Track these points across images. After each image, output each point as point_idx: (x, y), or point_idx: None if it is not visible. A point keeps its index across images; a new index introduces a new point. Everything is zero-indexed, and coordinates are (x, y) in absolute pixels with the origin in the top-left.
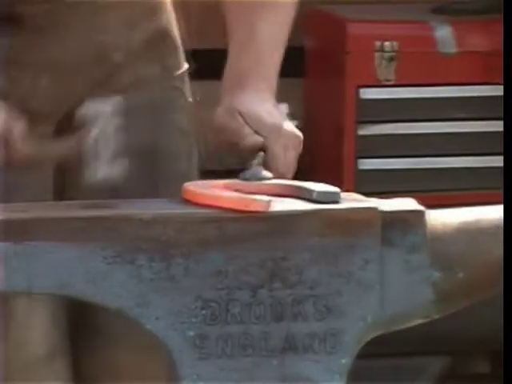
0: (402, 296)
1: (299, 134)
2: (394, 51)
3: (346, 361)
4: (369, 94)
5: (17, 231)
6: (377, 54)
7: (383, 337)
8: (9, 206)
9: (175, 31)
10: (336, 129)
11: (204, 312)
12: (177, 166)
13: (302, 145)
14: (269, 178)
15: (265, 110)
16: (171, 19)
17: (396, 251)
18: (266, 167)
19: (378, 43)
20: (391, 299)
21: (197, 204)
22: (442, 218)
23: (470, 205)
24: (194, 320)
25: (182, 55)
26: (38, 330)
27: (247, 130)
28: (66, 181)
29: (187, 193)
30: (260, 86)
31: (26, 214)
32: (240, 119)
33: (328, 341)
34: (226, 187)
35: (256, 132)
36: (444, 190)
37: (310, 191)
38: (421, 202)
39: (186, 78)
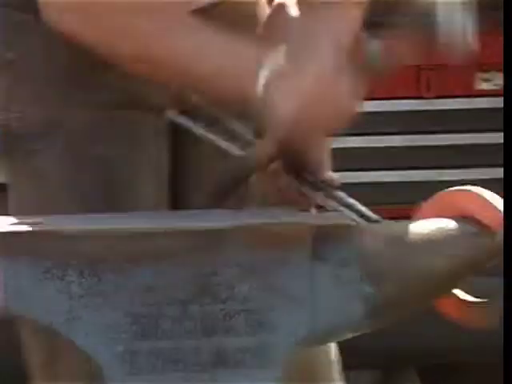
0: (333, 310)
1: None
2: None
3: (277, 375)
4: None
5: None
6: None
7: None
8: None
9: None
10: None
11: (134, 327)
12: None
13: None
14: None
15: None
16: None
17: (326, 266)
18: None
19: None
20: (322, 314)
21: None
22: (374, 232)
23: (401, 219)
24: (124, 336)
25: None
26: None
27: None
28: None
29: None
30: None
31: None
32: None
33: (259, 355)
34: None
35: None
36: (376, 204)
37: None
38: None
39: None
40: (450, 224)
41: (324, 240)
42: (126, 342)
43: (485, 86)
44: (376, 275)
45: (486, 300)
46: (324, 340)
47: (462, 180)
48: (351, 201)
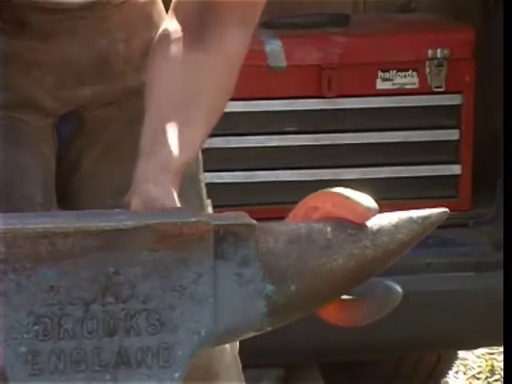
0: (236, 309)
1: None
2: None
3: (179, 375)
4: None
5: None
6: None
7: None
8: None
9: None
10: None
11: (36, 328)
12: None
13: None
14: None
15: None
16: None
17: (228, 265)
18: None
19: None
20: (224, 313)
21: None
22: (274, 231)
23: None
24: (26, 336)
25: None
26: None
27: None
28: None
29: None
30: None
31: None
32: None
33: (161, 355)
34: None
35: None
36: (277, 203)
37: None
38: (253, 215)
39: None
40: (347, 223)
41: (225, 239)
42: (28, 343)
43: (385, 86)
44: (277, 274)
45: (358, 298)
46: (227, 339)
47: (361, 179)
48: None
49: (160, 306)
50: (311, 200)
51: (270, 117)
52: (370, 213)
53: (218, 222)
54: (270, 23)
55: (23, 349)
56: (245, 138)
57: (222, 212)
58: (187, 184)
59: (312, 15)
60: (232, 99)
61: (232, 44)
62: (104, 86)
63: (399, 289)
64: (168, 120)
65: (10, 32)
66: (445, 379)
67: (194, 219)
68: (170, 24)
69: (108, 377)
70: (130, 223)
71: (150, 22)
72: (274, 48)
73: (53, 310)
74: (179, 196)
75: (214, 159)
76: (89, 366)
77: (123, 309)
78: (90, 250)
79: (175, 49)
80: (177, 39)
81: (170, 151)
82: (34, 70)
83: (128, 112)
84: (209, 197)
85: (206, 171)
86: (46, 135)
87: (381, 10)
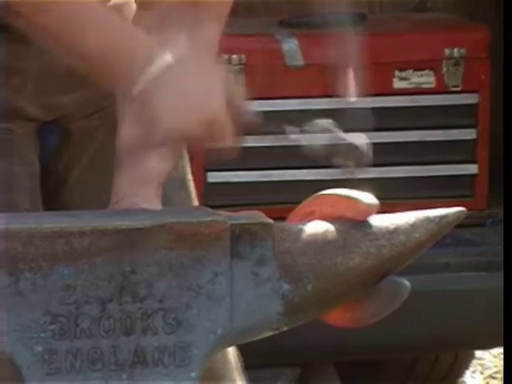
0: (252, 309)
1: None
2: (241, 64)
3: (195, 374)
4: None
5: None
6: None
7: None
8: None
9: None
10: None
11: (53, 327)
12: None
13: None
14: None
15: None
16: None
17: (245, 264)
18: None
19: (225, 56)
20: (241, 312)
21: None
22: (291, 231)
23: None
24: (42, 335)
25: None
26: None
27: None
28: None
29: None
30: None
31: None
32: None
33: (178, 354)
34: None
35: None
36: (293, 203)
37: None
38: (269, 214)
39: None
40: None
41: (242, 238)
42: (45, 342)
43: (401, 85)
44: (294, 273)
45: (365, 296)
46: (243, 338)
47: (377, 178)
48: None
49: (176, 305)
50: (306, 205)
51: (287, 116)
52: (372, 209)
53: (235, 222)
54: (286, 22)
55: (40, 348)
56: (261, 137)
57: (237, 211)
58: (177, 186)
59: (328, 14)
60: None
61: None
62: (85, 93)
63: (407, 283)
64: None
65: None
66: (462, 379)
67: (210, 218)
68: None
69: (124, 376)
70: (146, 222)
71: None
72: (291, 47)
73: (69, 309)
74: (171, 199)
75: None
76: (105, 365)
77: (140, 308)
78: (106, 249)
79: None
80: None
81: (152, 162)
82: (14, 78)
83: (111, 120)
84: (225, 196)
85: (222, 170)
86: (29, 140)
87: (397, 10)
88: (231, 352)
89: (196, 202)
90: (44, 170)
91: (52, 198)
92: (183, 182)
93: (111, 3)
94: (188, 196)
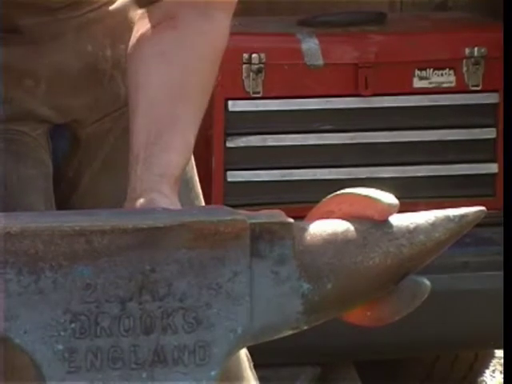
0: (272, 307)
1: None
2: (261, 63)
3: (215, 373)
4: (237, 106)
5: None
6: (244, 67)
7: (252, 348)
8: None
9: None
10: (205, 141)
11: (73, 325)
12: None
13: None
14: None
15: None
16: None
17: (265, 263)
18: None
19: (245, 55)
20: (260, 311)
21: None
22: (310, 230)
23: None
24: (62, 333)
25: None
26: None
27: None
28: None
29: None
30: None
31: None
32: None
33: (197, 353)
34: None
35: None
36: (313, 202)
37: None
38: (289, 213)
39: None
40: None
41: (262, 237)
42: (65, 340)
43: (422, 84)
44: (313, 272)
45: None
46: (263, 337)
47: (397, 177)
48: None
49: (196, 304)
50: (325, 204)
51: (307, 115)
52: (392, 209)
53: (254, 221)
54: (306, 21)
55: (60, 346)
56: (282, 136)
57: (257, 210)
58: (185, 187)
59: (349, 13)
60: (269, 97)
61: (211, 31)
62: (97, 94)
63: (427, 282)
64: (159, 122)
65: (4, 39)
66: (481, 378)
67: (230, 217)
68: (142, 23)
69: (144, 375)
70: (166, 221)
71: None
72: (311, 46)
73: (89, 308)
74: (179, 200)
75: (251, 158)
76: (125, 364)
77: (160, 307)
78: (126, 248)
79: (149, 46)
80: (149, 36)
81: (169, 157)
82: (27, 80)
83: (121, 122)
84: (245, 195)
85: (243, 170)
86: (42, 141)
87: (417, 9)
88: (243, 351)
89: (203, 203)
90: (56, 172)
91: (63, 203)
92: (191, 183)
93: (117, 6)
94: (196, 197)
